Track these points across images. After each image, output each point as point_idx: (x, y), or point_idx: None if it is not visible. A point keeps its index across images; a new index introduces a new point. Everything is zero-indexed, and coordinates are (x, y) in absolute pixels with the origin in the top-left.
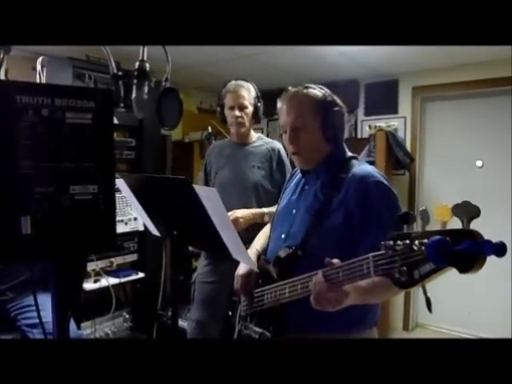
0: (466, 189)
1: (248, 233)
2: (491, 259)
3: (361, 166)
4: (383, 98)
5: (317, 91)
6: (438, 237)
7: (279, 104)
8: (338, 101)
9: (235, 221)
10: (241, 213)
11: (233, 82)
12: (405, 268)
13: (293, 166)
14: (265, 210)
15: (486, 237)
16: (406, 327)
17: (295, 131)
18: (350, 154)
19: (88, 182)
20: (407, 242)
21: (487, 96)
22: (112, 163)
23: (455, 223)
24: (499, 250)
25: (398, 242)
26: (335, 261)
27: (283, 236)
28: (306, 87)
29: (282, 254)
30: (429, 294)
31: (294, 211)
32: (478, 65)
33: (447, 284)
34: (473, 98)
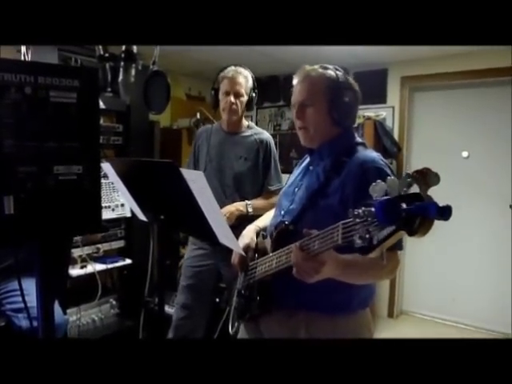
0: (451, 179)
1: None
2: (477, 247)
3: (366, 152)
4: (372, 87)
5: (332, 72)
6: (385, 197)
7: (294, 80)
8: (353, 84)
9: None
10: (223, 210)
11: (232, 67)
12: (367, 235)
13: (282, 157)
14: (247, 201)
15: (471, 225)
16: (390, 314)
17: (303, 107)
18: (359, 140)
19: (72, 163)
20: (371, 208)
21: (475, 87)
22: (97, 143)
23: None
24: (444, 212)
25: (363, 208)
26: (313, 231)
27: (282, 212)
28: (323, 67)
29: (276, 228)
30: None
31: (295, 190)
32: (466, 55)
33: (431, 272)
34: (460, 89)
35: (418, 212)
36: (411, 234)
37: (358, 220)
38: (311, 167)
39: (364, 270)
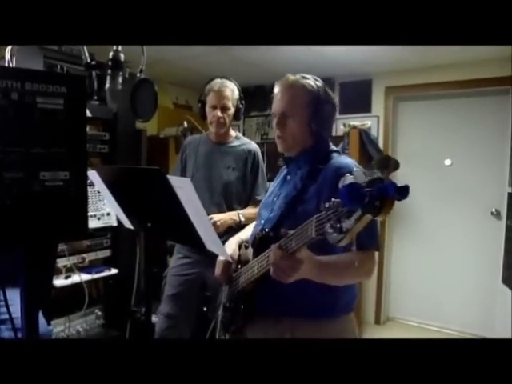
0: (435, 187)
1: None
2: (461, 254)
3: (340, 159)
4: (357, 97)
5: (313, 83)
6: (349, 181)
7: (276, 89)
8: (332, 97)
9: (213, 225)
10: (217, 217)
11: (218, 80)
12: (338, 224)
13: (269, 166)
14: (238, 211)
15: (455, 232)
16: (377, 321)
17: (284, 118)
18: (333, 148)
19: (59, 169)
20: (339, 199)
21: (457, 97)
22: (84, 149)
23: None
24: (402, 190)
25: (333, 200)
26: (291, 231)
27: (262, 222)
28: (304, 77)
29: (257, 237)
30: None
31: (274, 199)
32: (449, 66)
33: (418, 278)
34: (443, 99)
35: (379, 192)
36: (375, 214)
37: (329, 212)
38: (289, 177)
39: (341, 270)
